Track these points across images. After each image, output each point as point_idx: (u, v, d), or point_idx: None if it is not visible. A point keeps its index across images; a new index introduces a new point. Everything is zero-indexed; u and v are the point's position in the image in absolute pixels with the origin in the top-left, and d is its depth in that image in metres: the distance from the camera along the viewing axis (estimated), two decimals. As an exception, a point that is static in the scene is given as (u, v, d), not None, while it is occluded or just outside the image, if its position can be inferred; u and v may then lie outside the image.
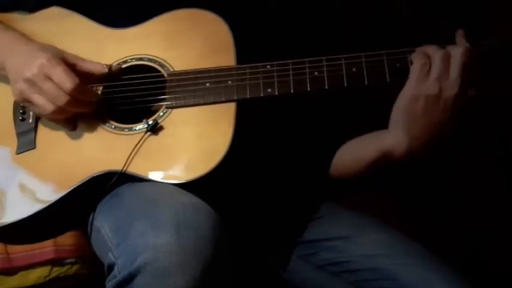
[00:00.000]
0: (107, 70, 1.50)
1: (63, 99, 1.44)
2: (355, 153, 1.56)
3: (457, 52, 1.40)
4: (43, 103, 1.45)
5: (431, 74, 1.39)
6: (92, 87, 1.52)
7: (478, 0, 2.08)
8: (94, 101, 1.49)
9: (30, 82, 1.45)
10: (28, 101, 1.48)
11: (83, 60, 1.50)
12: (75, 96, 1.45)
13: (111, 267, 1.30)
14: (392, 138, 1.45)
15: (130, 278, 1.25)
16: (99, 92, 1.52)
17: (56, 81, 1.44)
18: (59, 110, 1.46)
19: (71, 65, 1.47)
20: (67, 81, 1.44)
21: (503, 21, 1.98)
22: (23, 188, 1.50)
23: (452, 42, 1.44)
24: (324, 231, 1.58)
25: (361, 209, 1.65)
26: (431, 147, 1.43)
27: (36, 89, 1.45)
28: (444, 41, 1.44)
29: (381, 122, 1.46)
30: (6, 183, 1.51)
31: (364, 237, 1.55)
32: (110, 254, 1.32)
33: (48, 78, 1.44)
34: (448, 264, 1.49)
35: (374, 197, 2.10)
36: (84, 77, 1.48)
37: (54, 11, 1.59)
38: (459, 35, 1.43)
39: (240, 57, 1.47)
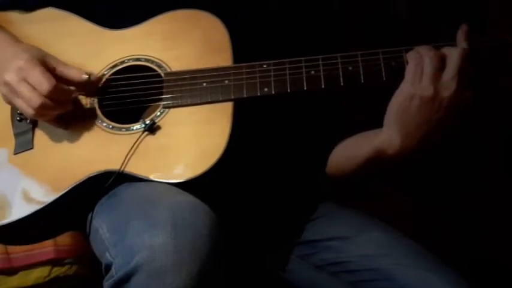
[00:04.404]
0: (85, 78, 1.49)
1: (37, 101, 1.43)
2: (350, 150, 1.56)
3: (452, 53, 1.40)
4: (24, 106, 1.46)
5: (424, 74, 1.39)
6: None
7: (478, 0, 2.08)
8: (70, 102, 1.49)
9: (8, 85, 1.46)
10: (11, 104, 1.49)
11: (64, 65, 1.49)
12: (52, 98, 1.44)
13: (108, 267, 1.31)
14: (386, 135, 1.45)
15: (127, 277, 1.25)
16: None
17: (32, 83, 1.44)
18: (39, 113, 1.45)
19: (51, 69, 1.47)
20: (43, 83, 1.43)
21: (504, 21, 1.98)
22: (21, 188, 1.50)
23: (452, 42, 1.44)
24: (323, 231, 1.58)
25: (361, 209, 1.65)
26: (425, 146, 1.43)
27: (14, 93, 1.45)
28: (444, 41, 1.44)
29: (377, 121, 1.46)
30: (4, 184, 1.52)
31: (363, 237, 1.55)
32: (108, 254, 1.32)
33: (24, 80, 1.44)
34: (448, 265, 1.48)
35: (375, 198, 2.10)
36: (63, 82, 1.48)
37: (51, 12, 1.59)
38: (462, 31, 1.43)
39: (237, 56, 1.48)
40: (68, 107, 1.48)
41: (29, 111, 1.45)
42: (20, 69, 1.45)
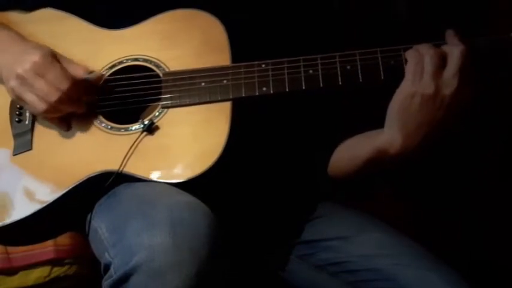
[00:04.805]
0: (85, 76, 1.49)
1: (54, 96, 1.45)
2: (351, 151, 1.55)
3: (453, 51, 1.40)
4: (35, 101, 1.46)
5: (425, 72, 1.39)
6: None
7: (478, 0, 2.08)
8: (86, 100, 1.50)
9: (21, 79, 1.46)
10: (21, 98, 1.48)
11: (68, 61, 1.50)
12: (70, 95, 1.45)
13: (107, 267, 1.31)
14: (387, 135, 1.44)
15: (125, 277, 1.25)
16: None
17: (51, 79, 1.45)
18: (52, 108, 1.46)
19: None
20: (63, 80, 1.45)
21: (503, 21, 1.98)
22: (20, 188, 1.50)
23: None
24: (323, 231, 1.58)
25: (362, 209, 1.64)
26: (426, 145, 1.43)
27: (28, 87, 1.46)
28: (443, 40, 1.44)
29: (377, 121, 1.46)
30: (4, 185, 1.52)
31: (363, 237, 1.55)
32: (107, 254, 1.32)
33: (40, 75, 1.45)
34: (449, 265, 1.48)
35: (375, 198, 2.10)
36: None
37: (49, 12, 1.59)
38: (449, 34, 1.43)
39: (236, 56, 1.47)
40: (81, 105, 1.49)
41: (40, 105, 1.46)
42: (36, 64, 1.45)
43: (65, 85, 1.45)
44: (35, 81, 1.45)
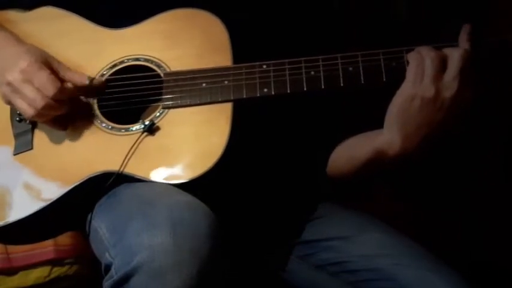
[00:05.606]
0: (87, 82, 1.49)
1: (41, 102, 1.44)
2: (350, 151, 1.55)
3: (454, 54, 1.40)
4: (24, 107, 1.46)
5: (426, 75, 1.39)
6: None
7: (478, 0, 2.08)
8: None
9: (11, 86, 1.46)
10: (11, 104, 1.49)
11: (66, 69, 1.50)
12: (57, 101, 1.45)
13: (108, 267, 1.31)
14: (386, 136, 1.44)
15: (126, 278, 1.25)
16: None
17: (37, 85, 1.45)
18: (40, 113, 1.46)
19: (54, 71, 1.48)
20: (48, 86, 1.44)
21: (503, 21, 1.98)
22: (21, 188, 1.50)
23: (453, 42, 1.44)
24: (323, 231, 1.58)
25: (362, 210, 1.64)
26: (426, 146, 1.43)
27: (17, 93, 1.46)
28: (444, 41, 1.44)
29: (377, 122, 1.46)
30: (4, 184, 1.52)
31: (364, 237, 1.55)
32: (107, 254, 1.32)
33: (28, 82, 1.45)
34: (448, 265, 1.48)
35: (375, 199, 2.10)
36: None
37: (49, 11, 1.59)
38: (465, 30, 1.43)
39: (237, 56, 1.47)
40: (69, 107, 1.49)
41: (29, 111, 1.46)
42: (23, 71, 1.45)
43: (50, 91, 1.44)
44: (22, 88, 1.45)
